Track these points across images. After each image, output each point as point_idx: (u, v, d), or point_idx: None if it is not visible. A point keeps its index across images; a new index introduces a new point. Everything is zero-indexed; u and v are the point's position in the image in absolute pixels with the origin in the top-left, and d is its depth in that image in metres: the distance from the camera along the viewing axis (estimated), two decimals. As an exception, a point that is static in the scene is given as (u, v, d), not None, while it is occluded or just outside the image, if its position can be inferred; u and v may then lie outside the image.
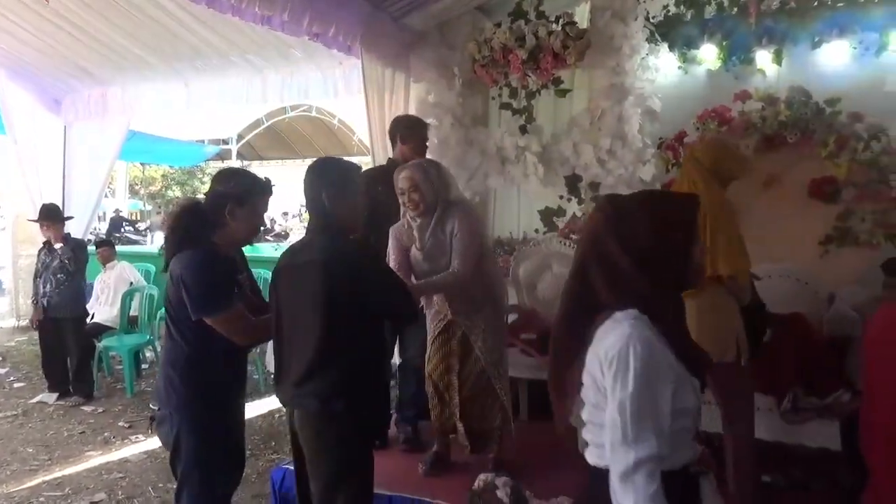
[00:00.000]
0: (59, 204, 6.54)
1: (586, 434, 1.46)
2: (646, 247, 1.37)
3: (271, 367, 5.67)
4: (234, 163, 14.31)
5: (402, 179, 2.93)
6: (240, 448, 2.41)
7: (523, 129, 4.42)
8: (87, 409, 5.02)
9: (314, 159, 2.27)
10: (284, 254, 2.22)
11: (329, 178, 2.11)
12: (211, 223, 2.15)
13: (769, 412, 3.02)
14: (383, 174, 3.55)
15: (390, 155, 4.36)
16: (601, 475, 1.36)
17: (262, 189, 2.22)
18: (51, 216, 5.31)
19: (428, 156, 4.42)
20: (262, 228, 2.28)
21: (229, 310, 2.10)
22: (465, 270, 2.91)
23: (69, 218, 5.66)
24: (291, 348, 2.11)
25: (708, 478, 1.42)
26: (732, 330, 2.72)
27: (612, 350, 1.32)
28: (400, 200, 2.98)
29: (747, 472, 2.75)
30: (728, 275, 2.64)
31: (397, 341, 3.67)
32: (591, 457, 1.44)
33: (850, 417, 2.80)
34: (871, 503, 1.59)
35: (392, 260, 3.05)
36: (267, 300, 2.27)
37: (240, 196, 2.15)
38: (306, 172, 2.16)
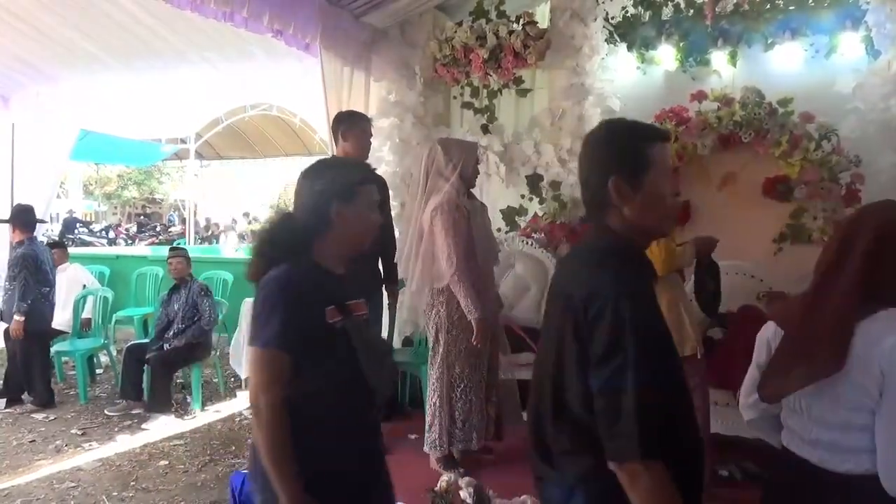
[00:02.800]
0: (8, 205, 6.34)
1: (843, 439, 1.41)
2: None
3: (235, 369, 5.58)
4: (193, 162, 14.02)
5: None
6: None
7: (485, 129, 4.43)
8: (37, 416, 4.85)
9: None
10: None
11: (623, 157, 1.35)
12: (310, 234, 1.65)
13: (726, 406, 3.07)
14: None
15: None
16: (864, 483, 1.37)
17: (369, 178, 1.73)
18: (16, 219, 5.15)
19: (389, 155, 4.41)
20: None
21: (269, 346, 1.51)
22: None
23: (41, 221, 5.50)
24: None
25: None
26: (684, 324, 2.78)
27: None
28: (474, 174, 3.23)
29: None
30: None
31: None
32: (845, 465, 1.40)
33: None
34: None
35: (461, 238, 3.01)
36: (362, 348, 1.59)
37: (345, 191, 1.66)
38: (584, 146, 1.42)
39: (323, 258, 1.66)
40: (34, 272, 4.99)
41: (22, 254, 5.09)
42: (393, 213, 4.09)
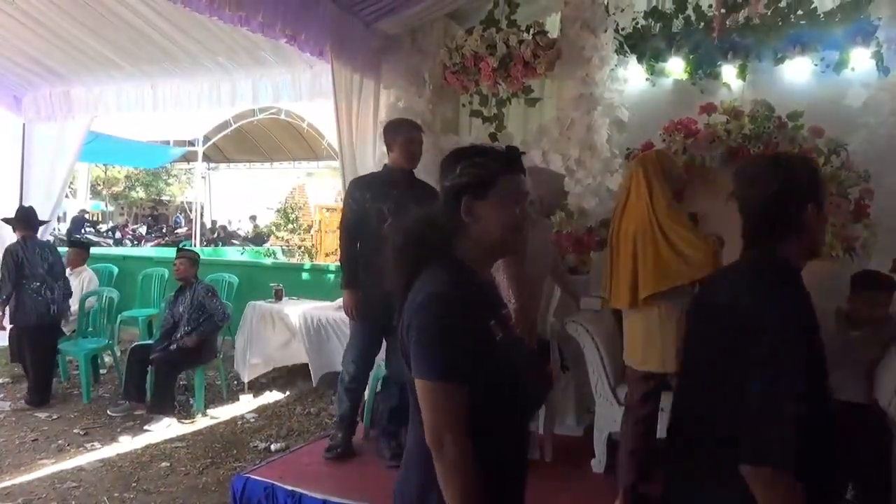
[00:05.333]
0: (18, 204, 6.39)
1: None
2: None
3: (240, 373, 5.58)
4: (201, 165, 14.06)
5: None
6: None
7: (493, 137, 4.43)
8: (40, 415, 4.86)
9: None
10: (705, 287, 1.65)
11: (818, 187, 1.50)
12: (448, 233, 1.46)
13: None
14: (374, 181, 3.51)
15: (358, 160, 4.36)
16: None
17: (506, 166, 1.47)
18: (14, 218, 5.35)
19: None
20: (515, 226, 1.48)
21: (445, 379, 1.31)
22: None
23: (44, 222, 5.74)
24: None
25: None
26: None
27: None
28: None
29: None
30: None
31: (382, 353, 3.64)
32: None
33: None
34: None
35: None
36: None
37: (476, 184, 1.43)
38: (769, 172, 1.51)
39: (468, 261, 1.45)
40: (12, 268, 5.12)
41: (5, 250, 5.33)
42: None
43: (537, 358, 1.59)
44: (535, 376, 1.50)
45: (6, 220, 5.51)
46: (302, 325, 5.17)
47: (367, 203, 3.38)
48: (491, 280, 1.51)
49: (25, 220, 5.36)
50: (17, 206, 6.33)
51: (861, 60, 3.72)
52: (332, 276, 6.49)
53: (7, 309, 5.14)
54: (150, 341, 5.26)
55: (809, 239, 1.47)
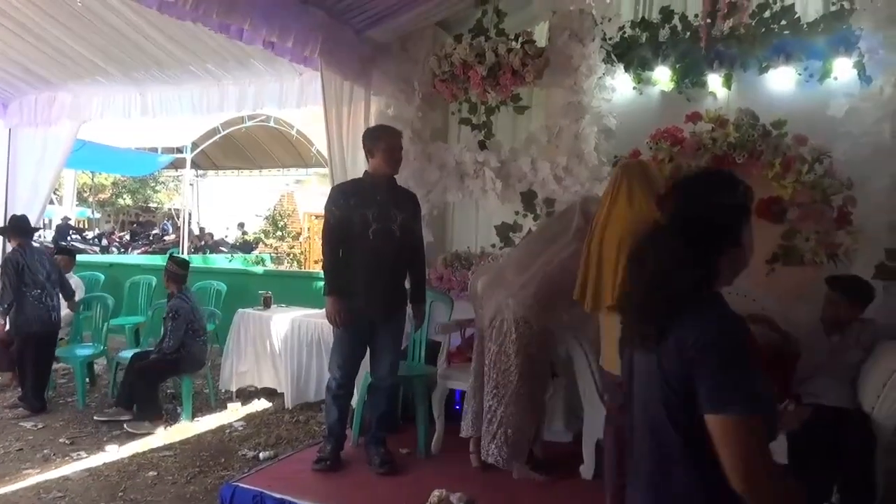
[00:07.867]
0: (2, 211, 6.35)
1: None
2: None
3: (224, 386, 5.53)
4: (189, 172, 14.00)
5: None
6: None
7: (482, 145, 4.46)
8: (25, 424, 4.81)
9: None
10: None
11: None
12: (714, 260, 1.33)
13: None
14: (356, 188, 3.53)
15: (348, 167, 4.36)
16: None
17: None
18: (6, 228, 5.36)
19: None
20: None
21: (757, 411, 1.23)
22: None
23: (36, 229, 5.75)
24: None
25: None
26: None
27: None
28: None
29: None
30: None
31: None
32: None
33: (796, 431, 2.88)
34: None
35: None
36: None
37: (748, 209, 1.39)
38: None
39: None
40: (13, 277, 5.06)
41: (5, 258, 5.30)
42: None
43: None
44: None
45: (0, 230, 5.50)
46: (286, 346, 5.14)
47: (350, 209, 3.38)
48: None
49: (19, 228, 5.31)
50: (2, 211, 6.31)
51: (843, 70, 3.78)
52: (321, 284, 6.45)
53: (7, 318, 5.09)
54: (149, 349, 5.22)
55: None
